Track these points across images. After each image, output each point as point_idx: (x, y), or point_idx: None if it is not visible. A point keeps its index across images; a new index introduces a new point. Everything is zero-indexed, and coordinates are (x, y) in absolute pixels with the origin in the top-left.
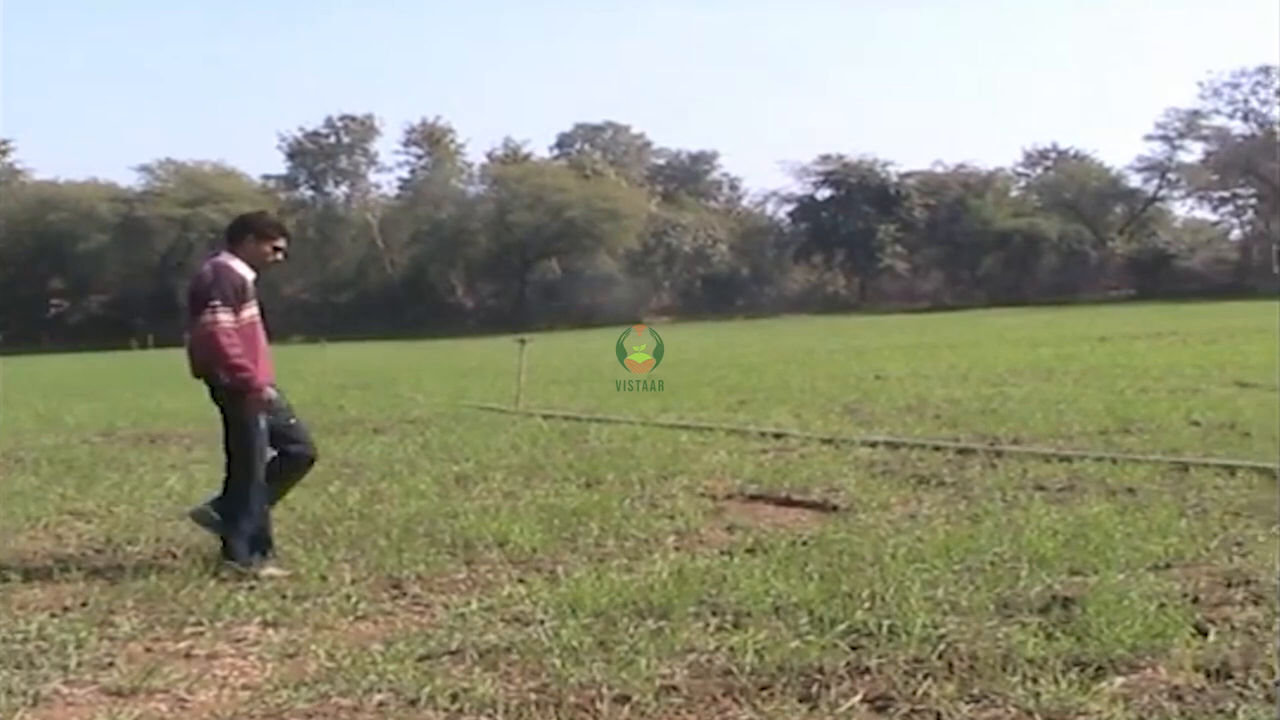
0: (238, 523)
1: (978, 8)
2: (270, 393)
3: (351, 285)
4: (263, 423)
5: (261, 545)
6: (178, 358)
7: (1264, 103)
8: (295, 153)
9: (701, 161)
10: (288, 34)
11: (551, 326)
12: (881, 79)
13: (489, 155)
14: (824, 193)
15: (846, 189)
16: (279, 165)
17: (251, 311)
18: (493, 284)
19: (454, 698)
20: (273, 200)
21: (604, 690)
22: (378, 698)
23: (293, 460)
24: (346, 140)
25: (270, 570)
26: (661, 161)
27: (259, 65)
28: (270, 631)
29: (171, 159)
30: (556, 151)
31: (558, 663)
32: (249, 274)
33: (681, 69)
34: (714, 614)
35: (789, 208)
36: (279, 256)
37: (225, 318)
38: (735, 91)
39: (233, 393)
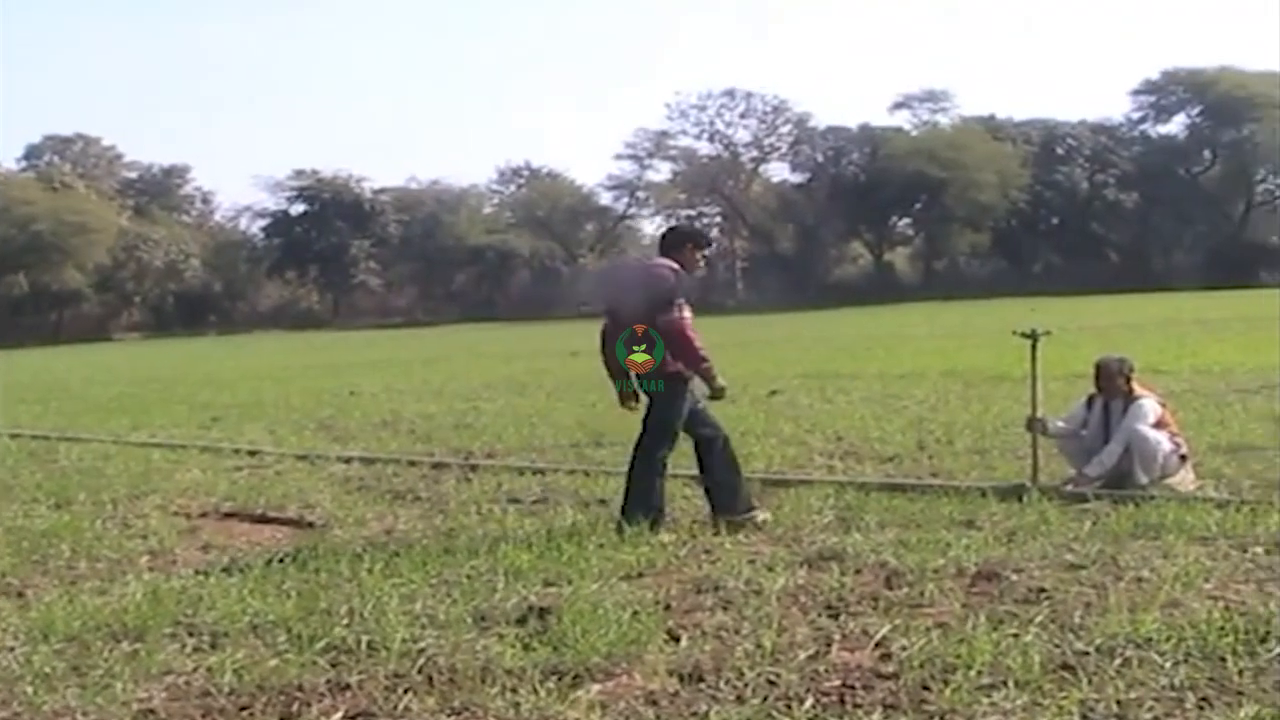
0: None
1: (437, 31)
2: (721, 380)
3: None
4: (685, 409)
5: (655, 513)
6: None
7: (728, 125)
8: None
9: (174, 175)
10: None
11: (19, 343)
12: (349, 95)
13: None
14: (298, 208)
15: (320, 204)
16: None
17: None
18: None
19: None
20: None
21: (79, 717)
22: None
23: (709, 442)
24: None
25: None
26: (133, 175)
27: None
28: None
29: None
30: (24, 164)
31: (29, 690)
32: None
33: (153, 80)
34: (191, 634)
35: (263, 223)
36: (703, 265)
37: (689, 316)
38: (207, 104)
39: (673, 382)
